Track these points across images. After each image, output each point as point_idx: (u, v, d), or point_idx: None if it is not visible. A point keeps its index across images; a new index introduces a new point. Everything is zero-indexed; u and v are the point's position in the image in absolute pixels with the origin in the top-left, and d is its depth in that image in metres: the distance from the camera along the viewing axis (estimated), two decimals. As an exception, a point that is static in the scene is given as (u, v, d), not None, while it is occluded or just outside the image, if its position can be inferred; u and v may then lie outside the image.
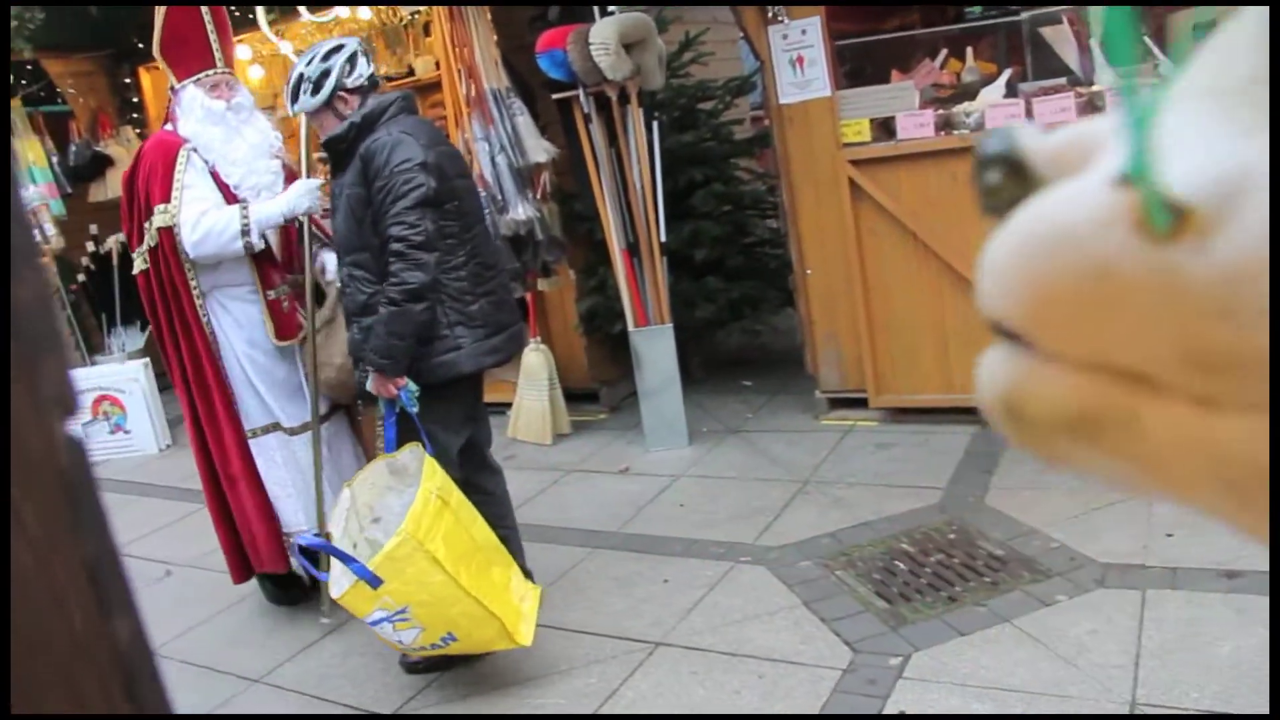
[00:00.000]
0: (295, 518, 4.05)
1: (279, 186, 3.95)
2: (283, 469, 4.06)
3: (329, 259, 3.93)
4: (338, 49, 3.46)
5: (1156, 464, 0.49)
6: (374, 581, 2.94)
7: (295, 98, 3.51)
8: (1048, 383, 0.48)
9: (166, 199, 3.86)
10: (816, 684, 3.12)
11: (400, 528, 2.99)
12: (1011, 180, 0.50)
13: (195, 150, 3.84)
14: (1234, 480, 0.47)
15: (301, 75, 3.48)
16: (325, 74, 3.44)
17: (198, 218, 3.77)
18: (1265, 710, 2.64)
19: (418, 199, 3.23)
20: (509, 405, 5.84)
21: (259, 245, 3.85)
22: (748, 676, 3.24)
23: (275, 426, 4.05)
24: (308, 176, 3.76)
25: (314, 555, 3.62)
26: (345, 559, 3.01)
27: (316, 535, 3.71)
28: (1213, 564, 3.30)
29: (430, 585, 2.98)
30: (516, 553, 3.82)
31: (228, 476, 4.03)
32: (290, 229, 4.05)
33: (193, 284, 3.92)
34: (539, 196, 5.46)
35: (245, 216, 3.77)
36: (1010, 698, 2.89)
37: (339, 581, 3.03)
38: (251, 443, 4.03)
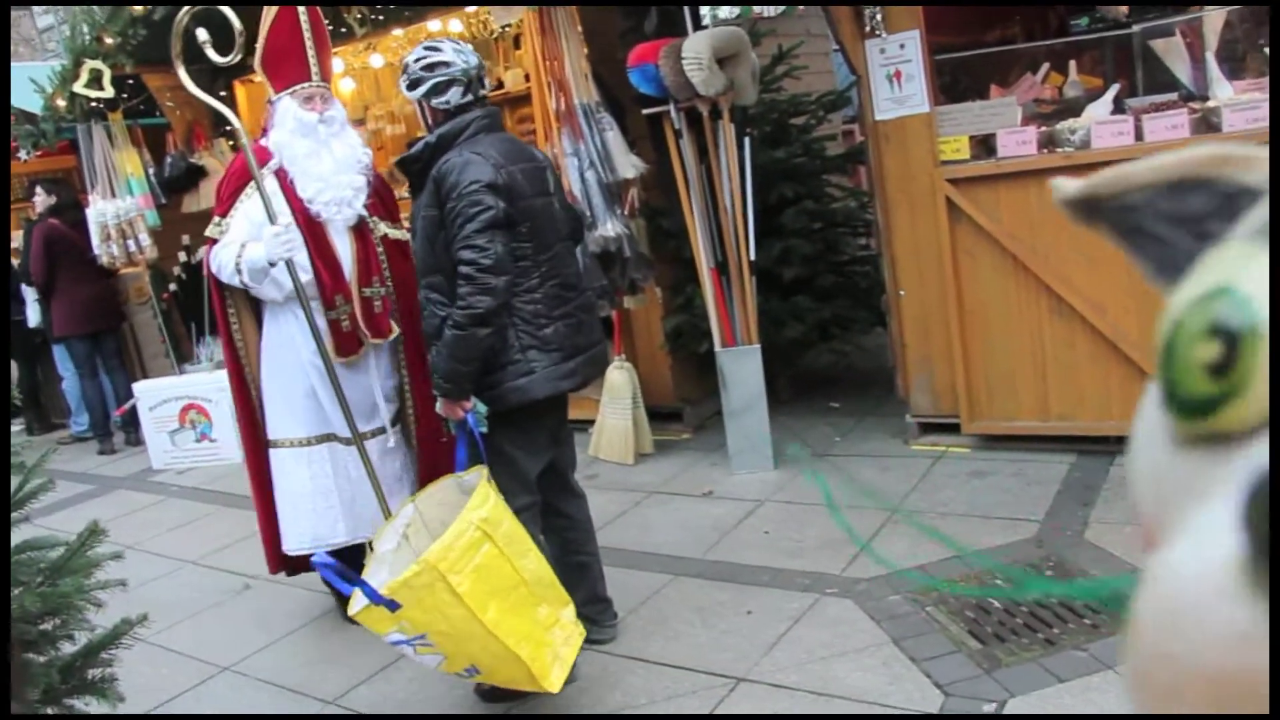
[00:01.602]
0: (334, 528, 4.02)
1: (360, 201, 3.94)
2: (330, 479, 4.04)
3: None
4: (444, 65, 3.40)
5: None
6: (390, 605, 2.87)
7: (401, 77, 3.52)
8: None
9: (225, 212, 3.92)
10: (907, 730, 2.98)
11: (422, 556, 2.91)
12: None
13: (273, 172, 3.82)
14: None
15: (406, 66, 3.46)
16: (420, 81, 3.41)
17: (219, 249, 3.89)
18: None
19: (486, 222, 3.16)
20: (592, 423, 5.78)
21: (255, 287, 3.88)
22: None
23: (330, 437, 4.04)
24: (271, 221, 3.68)
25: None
26: (358, 582, 2.95)
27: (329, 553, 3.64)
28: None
29: (450, 617, 2.89)
30: (596, 580, 3.74)
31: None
32: (369, 241, 4.03)
33: (227, 296, 4.05)
34: (627, 213, 5.39)
35: (240, 257, 3.79)
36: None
37: (358, 598, 2.97)
38: (302, 451, 4.04)
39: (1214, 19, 4.78)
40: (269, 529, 4.21)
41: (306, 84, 3.89)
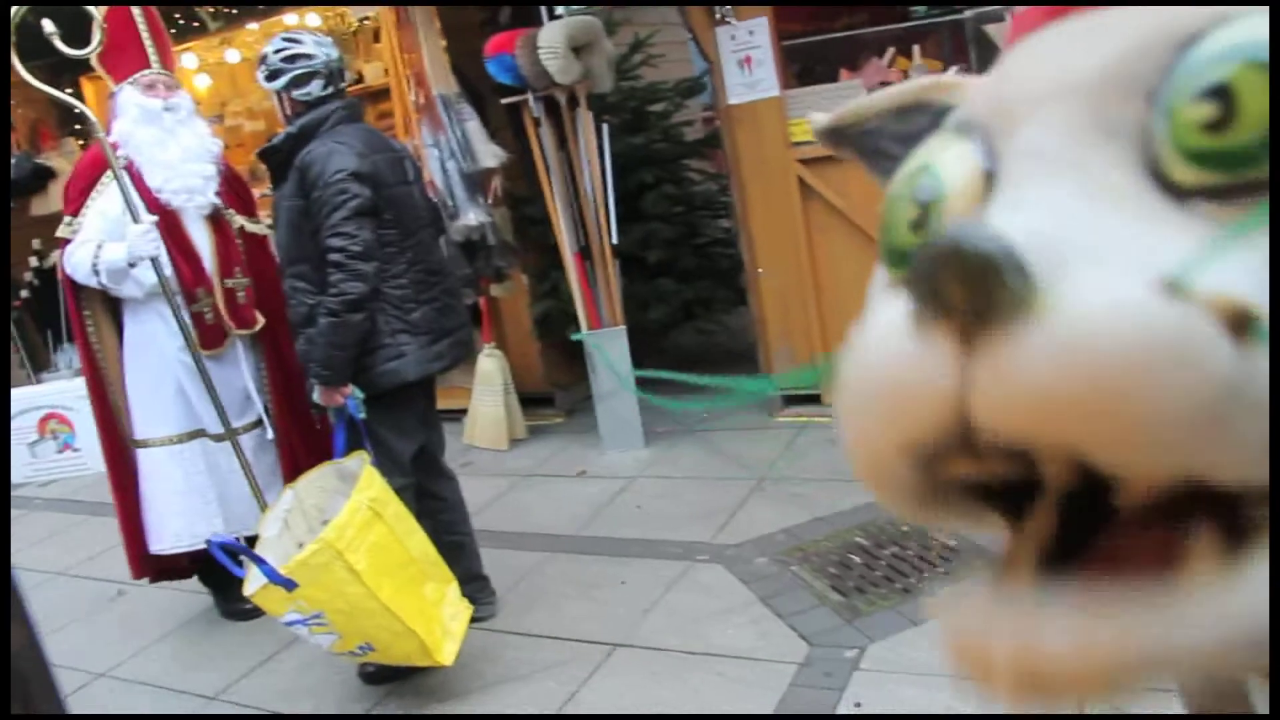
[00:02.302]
0: (210, 524, 3.98)
1: (211, 190, 3.92)
2: (205, 475, 4.02)
3: None
4: (305, 58, 3.43)
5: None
6: (288, 585, 2.92)
7: (259, 67, 3.53)
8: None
9: (76, 211, 3.85)
10: (774, 679, 3.14)
11: (320, 535, 2.97)
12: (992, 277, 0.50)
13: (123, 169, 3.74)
14: None
15: (265, 56, 3.48)
16: (280, 72, 3.43)
17: (74, 249, 3.81)
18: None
19: (353, 209, 3.22)
20: (464, 411, 5.83)
21: (114, 288, 3.82)
22: (707, 674, 3.25)
23: (200, 433, 4.02)
24: (135, 221, 3.65)
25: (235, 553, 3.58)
26: (256, 560, 2.99)
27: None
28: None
29: (347, 595, 2.96)
30: (472, 559, 3.82)
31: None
32: (228, 232, 4.02)
33: (82, 298, 3.97)
34: (490, 202, 5.45)
35: (97, 257, 3.74)
36: (965, 685, 2.91)
37: (255, 578, 3.01)
38: (174, 449, 4.01)
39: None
40: (131, 533, 4.14)
41: (147, 71, 3.85)
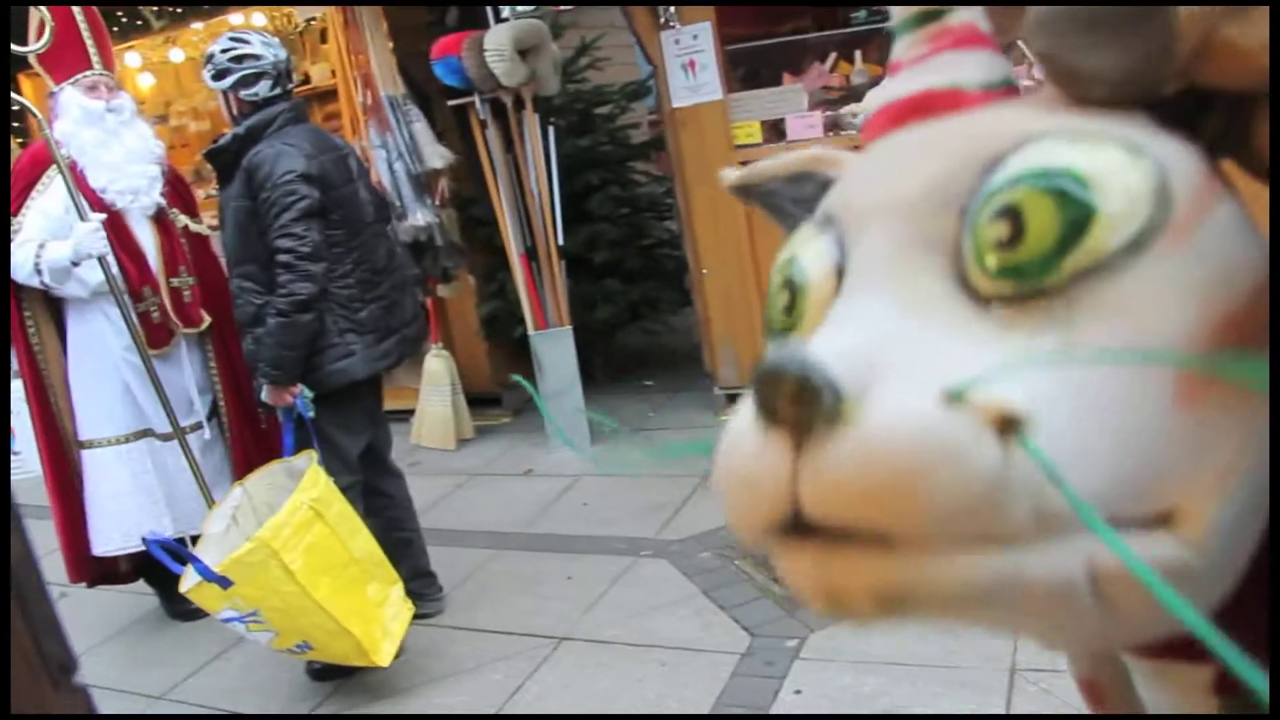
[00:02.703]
0: (159, 523, 3.96)
1: (156, 190, 3.92)
2: (152, 475, 4.02)
3: None
4: (252, 58, 3.45)
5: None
6: (222, 582, 2.94)
7: (205, 66, 3.54)
8: (940, 571, 0.61)
9: (16, 211, 3.83)
10: (717, 668, 3.21)
11: (256, 534, 3.00)
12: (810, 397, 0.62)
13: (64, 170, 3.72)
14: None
15: (212, 56, 3.49)
16: (227, 72, 3.45)
17: (15, 249, 3.76)
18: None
19: (302, 211, 3.25)
20: (412, 411, 5.85)
21: (58, 288, 3.80)
22: (651, 665, 3.32)
23: (147, 432, 4.02)
24: (81, 219, 3.62)
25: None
26: (191, 559, 3.01)
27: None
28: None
29: (283, 594, 2.98)
30: (419, 555, 3.85)
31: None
32: (173, 232, 4.02)
33: (23, 299, 3.93)
34: (437, 203, 5.48)
35: (39, 256, 3.71)
36: (900, 671, 3.01)
37: (190, 575, 3.03)
38: (121, 449, 4.00)
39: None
40: (70, 536, 4.11)
41: (89, 72, 3.85)
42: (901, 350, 0.63)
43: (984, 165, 0.68)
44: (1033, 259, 0.66)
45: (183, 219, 4.10)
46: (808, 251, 0.79)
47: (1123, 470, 0.63)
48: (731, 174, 0.97)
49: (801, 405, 0.60)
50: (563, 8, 5.22)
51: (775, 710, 2.97)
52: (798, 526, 0.63)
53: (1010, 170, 0.67)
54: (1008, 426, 0.59)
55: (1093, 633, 0.66)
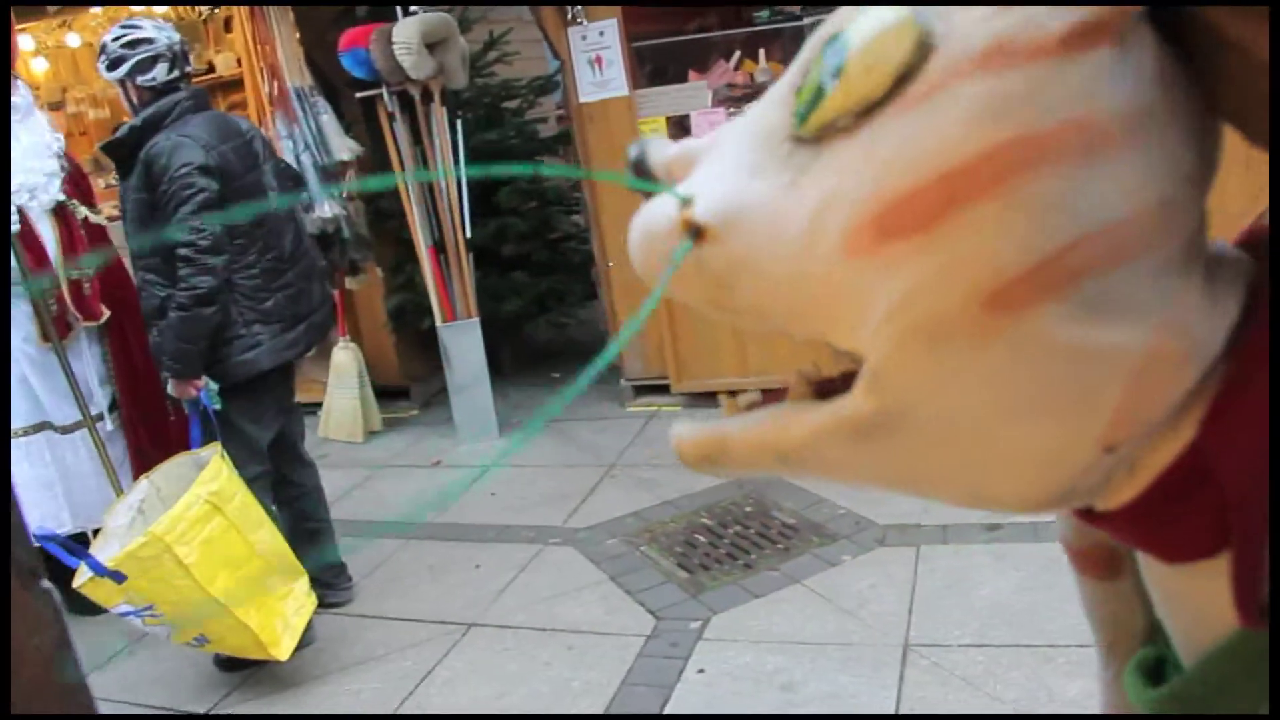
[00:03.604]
0: (59, 518, 3.92)
1: (55, 186, 3.86)
2: (52, 468, 3.97)
3: None
4: (146, 42, 3.42)
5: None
6: (116, 577, 2.94)
7: (98, 58, 3.51)
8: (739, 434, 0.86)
9: None
10: (623, 650, 3.30)
11: (149, 529, 3.00)
12: (642, 176, 0.85)
13: None
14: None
15: (105, 45, 3.46)
16: (122, 60, 3.42)
17: None
18: (1020, 644, 2.96)
19: (200, 204, 3.24)
20: (319, 405, 5.83)
21: None
22: (558, 649, 3.40)
23: (45, 425, 3.97)
24: None
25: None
26: (81, 554, 3.00)
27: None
28: (977, 519, 3.64)
29: (178, 588, 2.98)
30: (327, 547, 3.87)
31: None
32: (73, 225, 3.97)
33: None
34: (344, 195, 5.48)
35: None
36: (799, 649, 3.13)
37: (83, 571, 3.02)
38: (19, 442, 3.92)
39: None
40: None
41: None
42: (711, 163, 0.83)
43: (824, 39, 0.77)
44: (797, 110, 0.76)
45: (82, 210, 4.05)
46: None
47: (792, 297, 0.77)
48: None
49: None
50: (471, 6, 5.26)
51: (679, 689, 3.07)
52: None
53: (836, 41, 0.76)
54: (694, 230, 0.78)
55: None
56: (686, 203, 0.78)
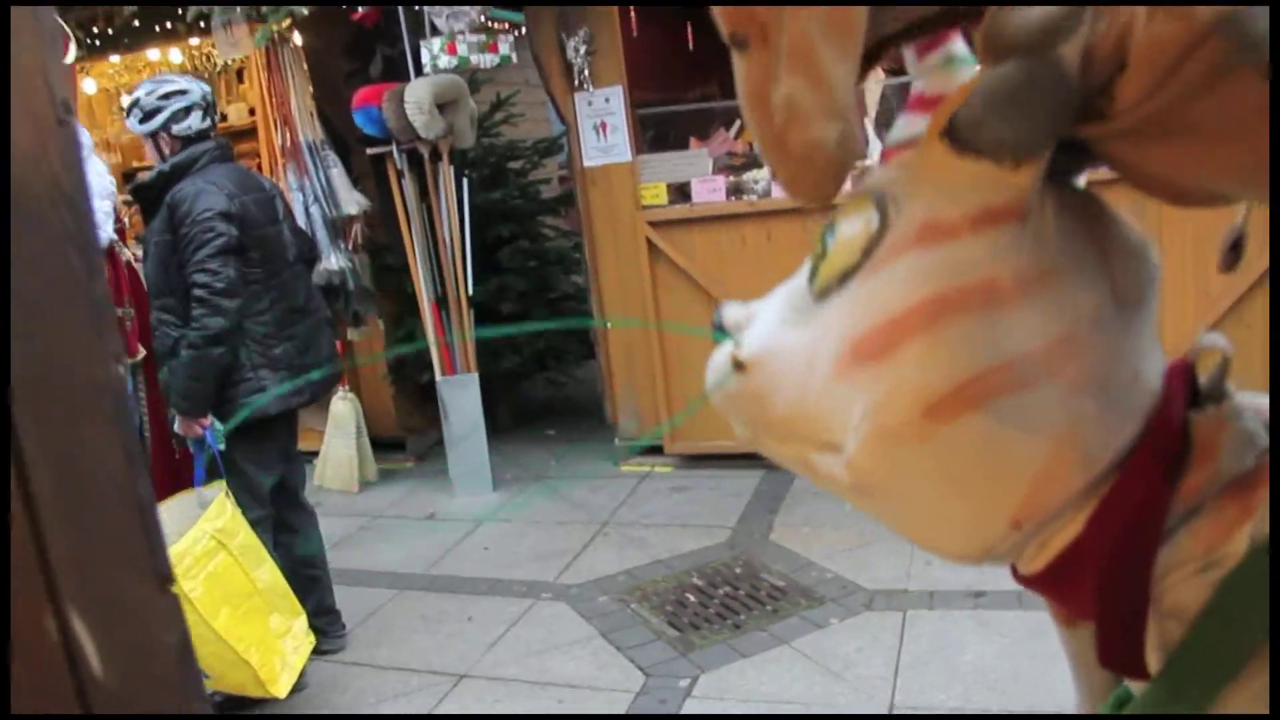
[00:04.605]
0: None
1: (110, 226, 3.99)
2: None
3: None
4: (180, 93, 3.55)
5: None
6: None
7: (129, 114, 3.60)
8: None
9: None
10: (612, 706, 3.35)
11: None
12: (720, 329, 1.17)
13: None
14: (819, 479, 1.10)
15: (138, 100, 3.57)
16: (158, 111, 3.53)
17: None
18: (1003, 708, 3.02)
19: (219, 248, 3.36)
20: (316, 453, 5.89)
21: None
22: (548, 702, 3.44)
23: None
24: None
25: None
26: None
27: None
28: (963, 586, 3.71)
29: None
30: (325, 592, 3.92)
31: None
32: (119, 264, 4.08)
33: None
34: (351, 247, 5.59)
35: None
36: (786, 709, 3.19)
37: None
38: None
39: (873, 90, 5.51)
40: None
41: None
42: (761, 314, 1.12)
43: (826, 226, 1.05)
44: (811, 277, 1.04)
45: (127, 251, 4.17)
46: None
47: (801, 407, 1.03)
48: None
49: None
50: (480, 63, 5.39)
51: (667, 745, 3.12)
52: None
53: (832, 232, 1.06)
54: (738, 364, 1.09)
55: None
56: (735, 344, 1.11)
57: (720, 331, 1.15)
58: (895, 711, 3.10)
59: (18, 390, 0.49)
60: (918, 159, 0.99)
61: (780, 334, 1.06)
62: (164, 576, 0.57)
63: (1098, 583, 0.99)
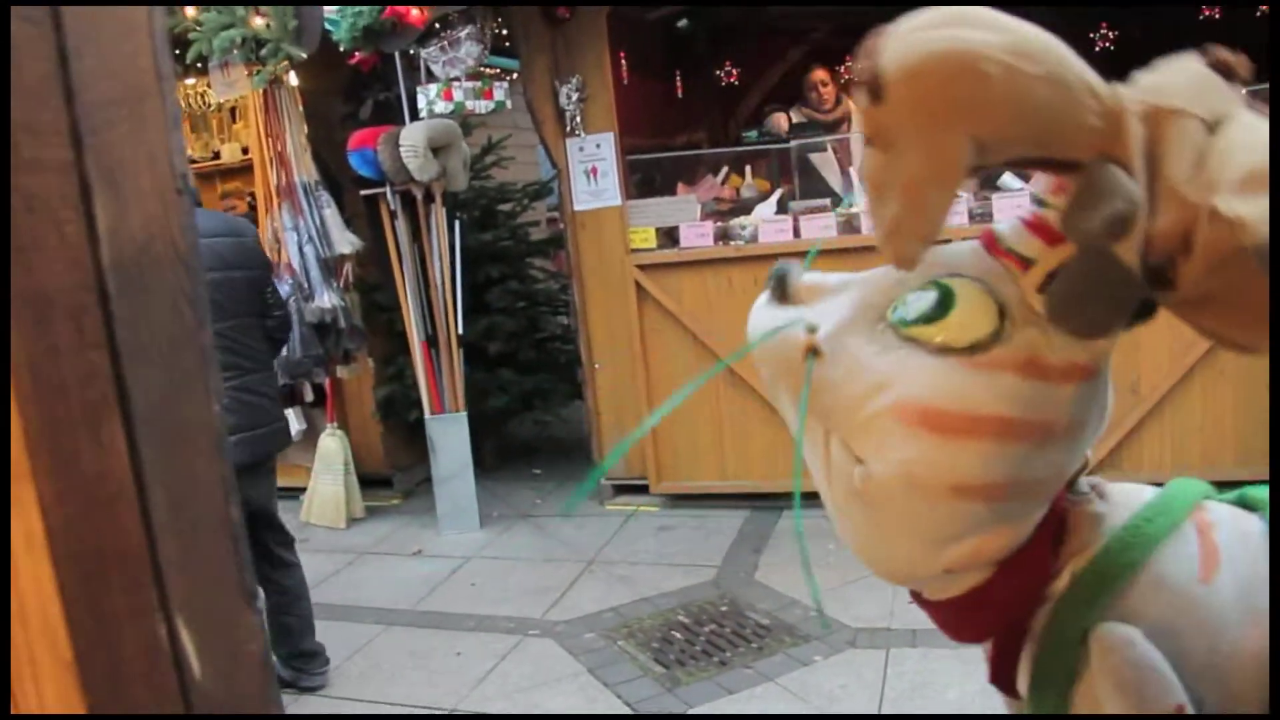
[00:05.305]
0: None
1: None
2: None
3: None
4: None
5: None
6: None
7: None
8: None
9: None
10: (599, 741, 3.40)
11: None
12: (782, 288, 1.30)
13: None
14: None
15: None
16: None
17: None
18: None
19: None
20: (303, 489, 5.94)
21: None
22: (536, 737, 3.49)
23: None
24: None
25: None
26: None
27: None
28: (944, 628, 3.77)
29: None
30: (299, 638, 3.92)
31: None
32: None
33: None
34: (342, 286, 5.66)
35: None
36: None
37: None
38: None
39: (858, 140, 5.65)
40: None
41: None
42: (833, 306, 1.30)
43: (927, 279, 1.27)
44: (896, 312, 1.26)
45: None
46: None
47: (849, 413, 1.24)
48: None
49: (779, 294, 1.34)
50: (475, 108, 5.50)
51: (654, 780, 3.17)
52: None
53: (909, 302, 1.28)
54: (812, 350, 1.26)
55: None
56: (812, 330, 1.27)
57: (779, 287, 1.32)
58: (878, 748, 3.17)
59: (141, 425, 0.57)
60: (1029, 297, 1.22)
61: (859, 345, 1.25)
62: (250, 593, 0.65)
63: (1001, 618, 1.32)
